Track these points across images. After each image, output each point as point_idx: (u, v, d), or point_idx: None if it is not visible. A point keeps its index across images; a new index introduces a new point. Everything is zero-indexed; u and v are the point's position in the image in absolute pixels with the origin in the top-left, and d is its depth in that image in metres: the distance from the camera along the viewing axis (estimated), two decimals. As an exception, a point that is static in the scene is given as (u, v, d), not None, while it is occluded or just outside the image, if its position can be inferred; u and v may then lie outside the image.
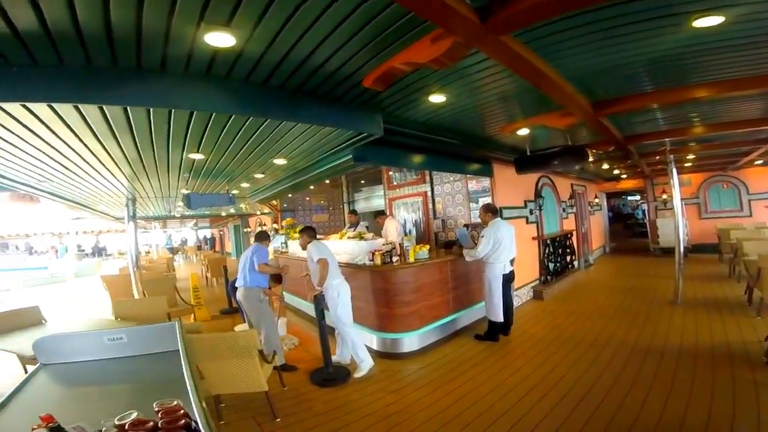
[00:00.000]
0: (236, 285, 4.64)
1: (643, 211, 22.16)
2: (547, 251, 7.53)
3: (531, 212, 7.38)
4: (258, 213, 14.57)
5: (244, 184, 6.40)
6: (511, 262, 4.96)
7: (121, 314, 4.84)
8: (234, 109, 2.77)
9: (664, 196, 12.11)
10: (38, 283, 16.26)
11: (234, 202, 6.09)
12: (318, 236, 6.51)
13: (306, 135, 3.55)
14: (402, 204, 8.22)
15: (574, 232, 9.42)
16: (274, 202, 12.06)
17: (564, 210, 9.22)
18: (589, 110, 3.46)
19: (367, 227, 7.09)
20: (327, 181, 10.95)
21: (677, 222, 6.19)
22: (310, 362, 4.48)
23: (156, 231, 28.89)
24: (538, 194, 7.59)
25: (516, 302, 6.34)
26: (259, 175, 5.49)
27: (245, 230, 19.71)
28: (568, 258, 8.53)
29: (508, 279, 4.95)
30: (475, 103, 3.57)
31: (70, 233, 26.27)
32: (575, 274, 8.64)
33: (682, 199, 12.19)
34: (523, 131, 4.67)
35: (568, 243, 8.52)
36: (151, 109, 2.65)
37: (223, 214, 14.63)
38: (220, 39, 2.13)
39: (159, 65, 2.40)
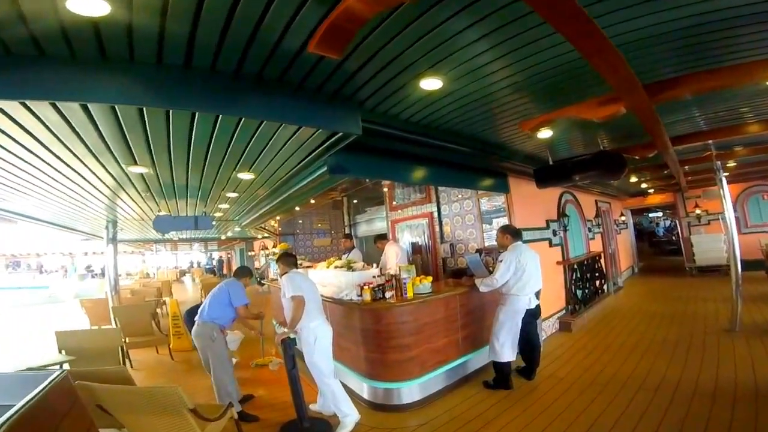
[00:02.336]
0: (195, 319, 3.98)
1: (665, 228, 21.09)
2: (574, 276, 6.50)
3: (555, 233, 6.40)
4: (259, 237, 13.89)
5: (223, 205, 5.64)
6: (537, 294, 4.06)
7: (65, 346, 4.37)
8: (141, 100, 2.02)
9: (698, 211, 11.04)
10: (35, 303, 15.81)
11: (210, 227, 5.31)
12: (308, 264, 5.74)
13: (262, 137, 2.75)
14: (406, 227, 7.33)
15: (602, 254, 8.35)
16: (274, 224, 11.37)
17: (590, 230, 8.20)
18: (642, 94, 2.57)
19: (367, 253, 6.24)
20: (330, 202, 10.27)
21: (731, 236, 5.20)
22: (284, 411, 3.59)
23: (165, 253, 28.68)
24: (562, 213, 6.63)
25: (541, 337, 5.34)
26: (231, 194, 4.71)
27: (249, 254, 19.11)
28: (597, 283, 7.46)
29: (534, 314, 4.07)
30: (482, 89, 2.71)
31: (80, 254, 26.29)
32: (605, 300, 7.55)
33: (718, 214, 11.34)
34: (545, 133, 3.79)
35: (596, 266, 7.47)
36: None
37: (223, 237, 13.97)
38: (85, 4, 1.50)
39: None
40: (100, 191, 4.28)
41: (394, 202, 7.46)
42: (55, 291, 18.01)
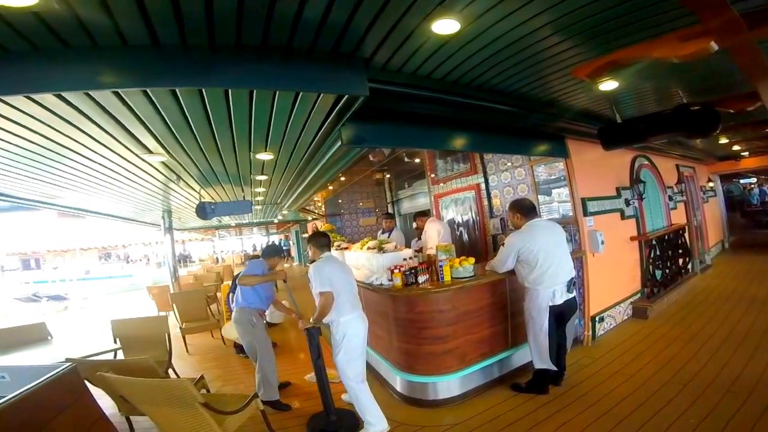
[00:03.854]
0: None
1: (760, 195, 17.97)
2: (652, 254, 5.59)
3: (627, 203, 5.48)
4: (309, 219, 14.05)
5: (259, 189, 5.54)
6: (569, 286, 3.28)
7: (119, 334, 4.45)
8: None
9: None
10: (118, 291, 17.59)
11: (250, 210, 5.25)
12: (344, 246, 5.46)
13: (261, 112, 2.45)
14: (451, 201, 6.79)
15: (687, 227, 7.17)
16: (320, 204, 11.36)
17: (671, 198, 7.03)
18: (740, 23, 1.85)
19: (417, 233, 5.84)
20: (372, 180, 9.98)
21: None
22: (319, 399, 3.27)
23: (230, 238, 30.55)
24: (636, 179, 5.67)
25: (608, 324, 4.68)
26: (260, 177, 4.54)
27: (303, 236, 19.56)
28: (681, 261, 6.42)
29: (561, 312, 3.26)
30: (514, 31, 2.11)
31: (158, 243, 28.89)
32: (690, 281, 6.50)
33: None
34: (609, 85, 3.07)
35: (680, 241, 6.41)
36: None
37: (276, 221, 14.32)
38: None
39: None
40: (136, 180, 4.34)
41: (434, 176, 6.95)
42: (136, 279, 19.72)
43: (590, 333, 4.39)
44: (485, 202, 5.95)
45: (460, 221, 6.56)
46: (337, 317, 2.97)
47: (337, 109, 2.47)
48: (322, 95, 2.25)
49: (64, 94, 1.98)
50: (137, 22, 1.67)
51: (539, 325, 3.22)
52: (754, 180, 19.03)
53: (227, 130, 2.75)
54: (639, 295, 5.44)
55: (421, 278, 3.33)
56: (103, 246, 30.73)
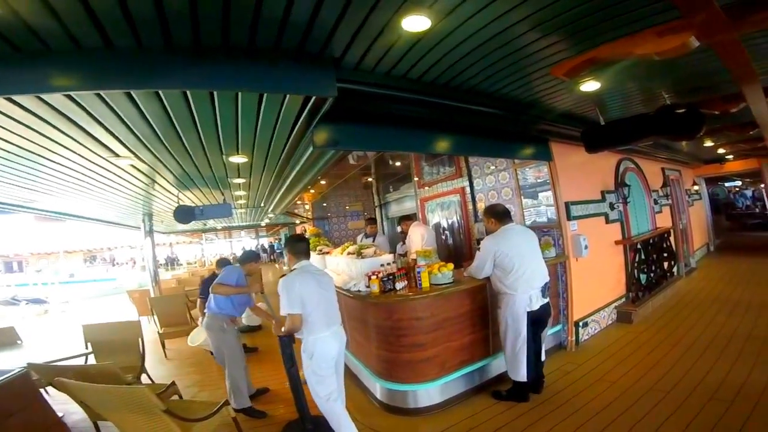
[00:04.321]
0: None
1: (751, 198, 18.32)
2: (637, 258, 5.57)
3: (612, 207, 5.46)
4: (298, 222, 13.90)
5: (239, 192, 5.41)
6: (544, 290, 3.24)
7: (91, 339, 4.34)
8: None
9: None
10: (100, 294, 17.26)
11: (231, 214, 5.12)
12: (326, 250, 5.35)
13: (227, 115, 2.34)
14: (437, 205, 6.72)
15: (672, 230, 7.19)
16: (308, 207, 11.23)
17: (656, 201, 7.04)
18: (721, 17, 1.79)
19: (402, 237, 5.74)
20: (360, 182, 9.89)
21: None
22: (293, 407, 3.11)
23: (220, 241, 30.13)
24: (620, 182, 5.65)
25: (592, 329, 4.63)
26: (238, 180, 4.41)
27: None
28: (666, 265, 6.41)
29: (539, 318, 3.22)
30: (488, 28, 2.03)
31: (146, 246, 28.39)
32: (676, 284, 6.49)
33: None
34: (591, 85, 3.02)
35: (665, 245, 6.40)
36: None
37: (263, 224, 14.15)
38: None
39: None
40: (109, 184, 4.21)
41: (417, 179, 6.88)
42: (121, 282, 19.29)
43: (574, 338, 4.33)
44: (470, 206, 5.89)
45: (446, 225, 6.50)
46: (306, 335, 2.67)
47: (306, 110, 2.36)
48: (288, 96, 2.15)
49: (15, 97, 1.91)
50: (86, 25, 1.60)
51: (517, 332, 3.15)
52: (739, 183, 19.36)
53: (193, 132, 2.63)
54: (624, 299, 5.41)
55: (400, 284, 3.23)
56: (89, 249, 30.16)
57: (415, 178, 6.99)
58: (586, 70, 2.27)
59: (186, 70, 1.86)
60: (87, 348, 4.28)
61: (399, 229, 5.98)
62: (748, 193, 18.97)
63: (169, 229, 12.35)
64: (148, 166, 3.46)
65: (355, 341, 3.83)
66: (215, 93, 2.04)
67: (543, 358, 3.42)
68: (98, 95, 1.96)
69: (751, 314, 4.79)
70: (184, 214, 5.45)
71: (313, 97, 2.16)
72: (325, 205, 10.60)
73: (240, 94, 2.07)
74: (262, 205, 6.93)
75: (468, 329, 3.50)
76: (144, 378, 4.11)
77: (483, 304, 3.58)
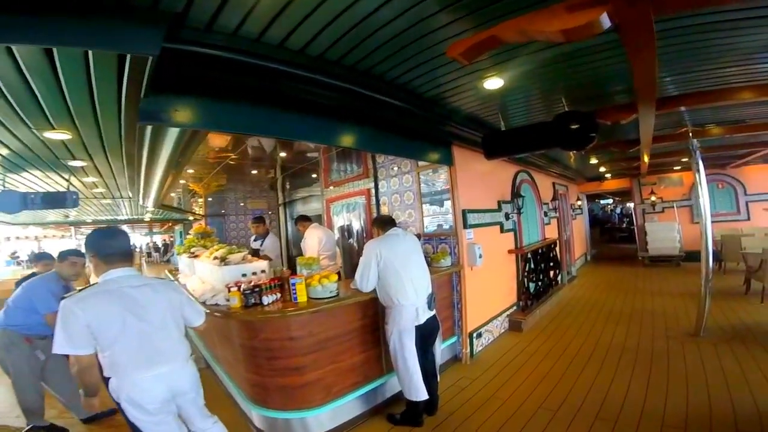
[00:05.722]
0: None
1: (620, 215, 21.51)
2: (527, 267, 5.75)
3: (507, 217, 5.57)
4: (191, 218, 12.32)
5: (88, 179, 4.32)
6: (430, 302, 3.01)
7: None
8: None
9: (653, 198, 10.77)
10: None
11: (76, 204, 4.01)
12: (198, 253, 4.53)
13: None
14: (343, 207, 6.27)
15: (558, 241, 7.72)
16: (200, 201, 9.92)
17: (546, 214, 7.51)
18: None
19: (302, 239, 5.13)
20: (264, 178, 8.97)
21: (704, 225, 4.51)
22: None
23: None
24: (516, 193, 5.80)
25: (486, 339, 4.57)
26: (75, 163, 3.44)
27: (188, 236, 17.35)
28: (552, 273, 6.81)
29: (428, 331, 2.99)
30: None
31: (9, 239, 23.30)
32: (559, 292, 6.94)
33: (673, 202, 11.15)
34: (494, 82, 2.83)
35: (552, 254, 6.79)
36: None
37: (146, 219, 12.33)
38: None
39: None
40: None
41: (326, 177, 6.40)
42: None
43: (468, 350, 4.20)
44: (374, 209, 5.54)
45: (352, 228, 6.07)
46: (112, 376, 1.78)
47: (126, 74, 1.71)
48: (92, 53, 1.51)
49: None
50: None
51: (407, 348, 2.84)
52: (611, 201, 22.53)
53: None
54: (515, 307, 5.54)
55: (268, 298, 2.67)
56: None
57: (323, 176, 6.47)
58: (486, 52, 2.00)
59: None
60: None
61: (298, 229, 5.41)
62: (618, 210, 22.23)
63: (20, 221, 9.99)
64: None
65: (226, 360, 3.21)
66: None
67: (437, 377, 3.15)
68: None
69: (623, 323, 5.21)
70: (8, 202, 4.20)
71: (128, 57, 1.54)
72: (223, 201, 9.47)
73: (14, 48, 1.37)
74: (130, 195, 5.76)
75: (358, 347, 3.09)
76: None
77: (374, 319, 3.20)
